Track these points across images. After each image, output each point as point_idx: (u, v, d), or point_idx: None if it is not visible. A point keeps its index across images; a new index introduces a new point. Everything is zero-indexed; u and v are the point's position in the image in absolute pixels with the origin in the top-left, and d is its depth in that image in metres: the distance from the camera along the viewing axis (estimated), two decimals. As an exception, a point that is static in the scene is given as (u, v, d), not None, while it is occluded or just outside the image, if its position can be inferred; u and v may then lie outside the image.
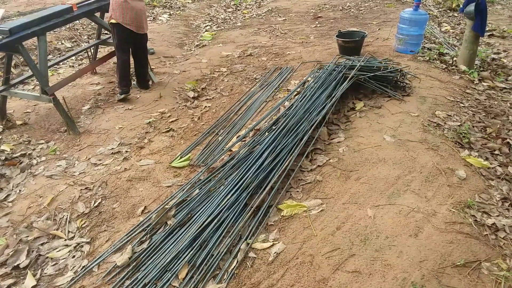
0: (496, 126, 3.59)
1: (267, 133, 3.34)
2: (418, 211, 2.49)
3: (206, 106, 4.44)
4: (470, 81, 4.58)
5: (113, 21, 4.25)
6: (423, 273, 2.09)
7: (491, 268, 2.13)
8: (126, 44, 4.43)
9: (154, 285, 2.20)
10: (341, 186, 2.83)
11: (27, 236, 2.62)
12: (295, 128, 3.29)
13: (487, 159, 3.12)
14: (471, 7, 4.40)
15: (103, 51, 5.78)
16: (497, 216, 2.51)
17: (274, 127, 3.38)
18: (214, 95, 4.72)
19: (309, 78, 4.38)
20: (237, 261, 2.30)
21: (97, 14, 4.67)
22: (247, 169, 2.95)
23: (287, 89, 4.53)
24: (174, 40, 6.96)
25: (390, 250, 2.24)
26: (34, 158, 3.53)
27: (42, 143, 3.77)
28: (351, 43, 5.14)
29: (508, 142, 3.36)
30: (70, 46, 6.44)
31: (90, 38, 6.87)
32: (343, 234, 2.39)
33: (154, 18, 8.26)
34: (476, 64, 4.99)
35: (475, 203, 2.58)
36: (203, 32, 7.62)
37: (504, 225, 2.44)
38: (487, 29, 6.63)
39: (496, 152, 3.24)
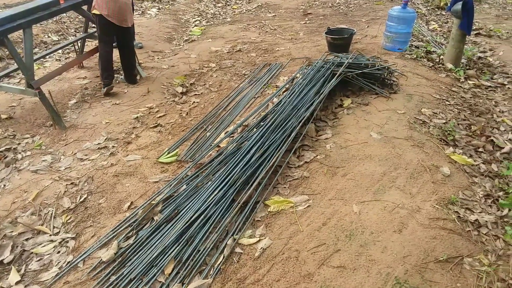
0: (481, 124, 3.65)
1: (255, 129, 3.34)
2: (403, 207, 2.53)
3: (194, 102, 4.42)
4: (456, 79, 4.64)
5: (95, 11, 4.20)
6: (406, 268, 2.12)
7: (473, 264, 2.17)
8: (108, 36, 4.38)
9: (140, 281, 2.20)
10: (328, 182, 2.85)
11: (11, 232, 2.59)
12: (283, 125, 3.31)
13: (471, 156, 3.17)
14: (458, 6, 4.45)
15: (90, 44, 5.71)
16: (480, 212, 2.56)
17: (262, 123, 3.39)
18: (203, 90, 4.70)
19: (298, 75, 4.39)
20: (224, 257, 2.30)
21: (84, 7, 4.60)
22: (234, 165, 2.95)
23: (276, 85, 4.54)
24: (163, 34, 6.91)
25: (374, 246, 2.27)
26: (19, 153, 3.48)
27: (28, 138, 3.71)
28: (339, 40, 5.17)
29: (492, 140, 3.42)
30: (57, 39, 6.34)
31: (77, 31, 6.78)
32: (329, 230, 2.41)
33: (142, 12, 8.18)
34: (463, 63, 5.06)
35: (459, 199, 2.62)
36: (192, 27, 7.57)
37: (486, 221, 2.48)
38: (474, 28, 6.71)
39: (480, 149, 3.30)
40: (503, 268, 2.15)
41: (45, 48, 5.87)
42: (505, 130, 3.63)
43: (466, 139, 3.40)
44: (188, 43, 6.61)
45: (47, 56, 5.39)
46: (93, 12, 4.25)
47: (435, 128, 3.45)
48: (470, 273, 2.12)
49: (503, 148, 3.31)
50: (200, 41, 6.63)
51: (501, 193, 2.76)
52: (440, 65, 4.94)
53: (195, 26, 7.67)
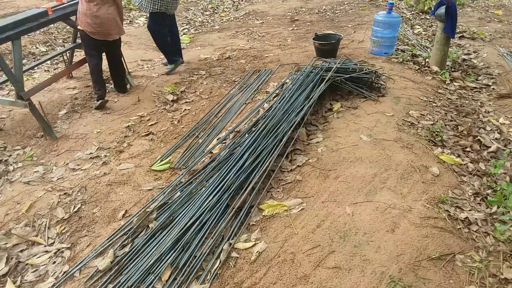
0: (467, 124, 3.74)
1: (247, 135, 3.38)
2: (394, 207, 2.58)
3: (185, 109, 4.44)
4: (442, 81, 4.74)
5: (79, 27, 4.20)
6: (400, 267, 2.16)
7: (464, 260, 2.23)
8: (94, 50, 4.34)
9: (137, 288, 2.20)
10: (320, 185, 2.89)
11: (6, 243, 2.58)
12: (275, 130, 3.35)
13: (459, 156, 3.25)
14: (442, 10, 4.56)
15: (79, 55, 5.70)
16: (470, 210, 2.62)
17: (254, 129, 3.42)
18: (194, 98, 4.73)
19: (287, 80, 4.45)
20: (220, 262, 2.32)
21: (73, 18, 4.61)
22: (228, 170, 2.97)
23: (266, 91, 4.59)
24: (152, 43, 6.90)
25: (368, 246, 2.31)
26: (11, 165, 3.46)
27: (18, 149, 3.69)
28: (327, 46, 5.24)
29: (479, 140, 3.50)
30: (45, 50, 6.32)
31: (66, 42, 6.76)
32: (323, 232, 2.45)
33: (130, 21, 8.20)
34: (448, 65, 5.17)
35: (449, 198, 2.68)
36: (181, 35, 7.59)
37: (476, 218, 2.54)
38: (458, 31, 6.86)
39: (468, 149, 3.37)
40: (494, 264, 2.20)
41: (33, 59, 5.85)
42: (491, 130, 3.72)
43: (454, 139, 3.48)
44: (177, 51, 6.63)
45: (36, 67, 5.37)
46: (78, 27, 4.25)
47: (423, 129, 3.53)
48: (462, 269, 2.17)
49: (490, 147, 3.39)
50: (189, 49, 6.66)
51: (489, 191, 2.83)
52: (426, 68, 5.04)
53: (184, 34, 7.69)
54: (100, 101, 4.34)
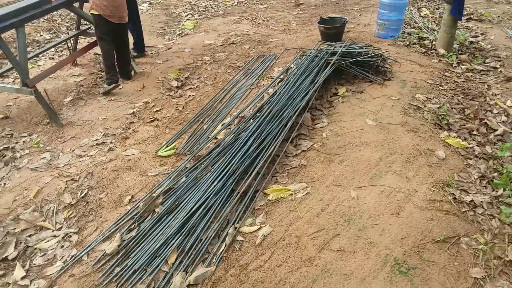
0: (474, 107, 3.70)
1: (251, 120, 3.37)
2: (400, 191, 2.57)
3: (190, 95, 4.44)
4: (449, 64, 4.68)
5: (93, 12, 4.19)
6: (404, 249, 2.17)
7: (469, 243, 2.23)
8: (108, 35, 4.36)
9: (144, 271, 2.24)
10: (325, 169, 2.89)
11: (14, 229, 2.62)
12: (279, 114, 3.33)
13: (465, 139, 3.22)
14: (449, -9, 4.47)
15: (83, 42, 5.70)
16: (475, 193, 2.61)
17: (258, 114, 3.41)
18: (198, 84, 4.72)
19: (292, 65, 4.41)
20: (226, 245, 2.34)
21: (76, 4, 4.59)
22: (233, 155, 2.98)
23: (271, 76, 4.56)
24: (155, 29, 6.90)
25: (373, 229, 2.31)
26: (18, 151, 3.49)
27: (25, 136, 3.72)
28: (332, 30, 5.18)
29: (486, 123, 3.47)
30: (49, 37, 6.32)
31: (69, 29, 6.75)
32: (328, 215, 2.45)
33: (134, 7, 8.13)
34: (455, 48, 5.10)
35: (454, 181, 2.67)
36: (185, 21, 7.56)
37: (481, 201, 2.53)
38: (465, 13, 6.75)
39: (474, 132, 3.35)
40: (499, 246, 2.20)
41: (37, 47, 5.85)
42: (498, 113, 3.68)
43: (460, 122, 3.45)
44: (181, 37, 6.61)
45: (41, 55, 5.38)
46: (91, 12, 4.24)
47: (429, 113, 3.50)
48: (467, 252, 2.18)
49: (497, 130, 3.36)
50: (193, 34, 6.62)
51: (495, 174, 2.81)
52: (433, 51, 4.97)
53: (188, 20, 7.65)
54: (113, 85, 4.41)
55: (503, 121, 3.52)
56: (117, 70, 4.56)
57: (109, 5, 4.14)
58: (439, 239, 2.23)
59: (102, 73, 5.00)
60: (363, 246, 2.22)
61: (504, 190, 2.60)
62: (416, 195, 2.55)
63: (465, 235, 2.28)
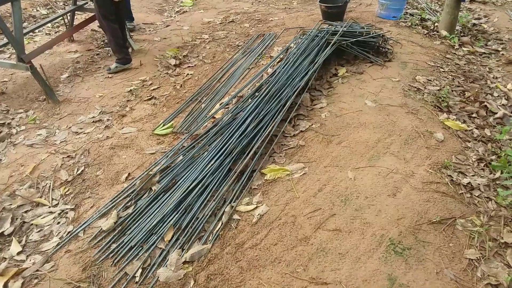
0: (475, 90, 3.67)
1: (250, 100, 3.34)
2: (397, 172, 2.57)
3: (188, 74, 4.38)
4: (451, 46, 4.63)
5: None
6: (400, 230, 2.18)
7: (465, 225, 2.23)
8: (113, 15, 4.21)
9: (141, 248, 2.24)
10: (323, 150, 2.87)
11: (10, 204, 2.61)
12: (278, 94, 3.30)
13: (464, 122, 3.21)
14: (453, -29, 4.38)
15: (80, 17, 5.59)
16: (473, 176, 2.61)
17: (257, 94, 3.38)
18: (196, 62, 4.66)
19: (292, 45, 4.35)
20: (222, 223, 2.35)
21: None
22: (230, 135, 2.96)
23: (270, 55, 4.50)
24: (154, 6, 6.77)
25: (369, 209, 2.32)
26: (14, 128, 3.46)
27: (21, 112, 3.69)
28: (334, 9, 5.09)
29: (486, 106, 3.44)
30: (46, 13, 6.20)
31: (66, 4, 6.62)
32: (325, 196, 2.45)
33: (132, -17, 7.97)
34: (457, 30, 5.02)
35: (452, 163, 2.67)
36: (184, -2, 7.41)
37: (479, 184, 2.54)
38: (469, -6, 6.63)
39: (474, 115, 3.33)
40: (494, 228, 2.21)
41: (34, 22, 5.74)
42: (498, 96, 3.65)
43: (460, 105, 3.42)
44: (180, 14, 6.49)
45: (37, 30, 5.28)
46: None
47: (429, 95, 3.47)
48: (462, 233, 2.18)
49: (496, 113, 3.34)
50: (192, 12, 6.51)
51: (493, 157, 2.81)
52: (435, 32, 4.91)
53: (187, -3, 7.50)
54: (128, 65, 4.41)
55: (503, 104, 3.50)
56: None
57: None
58: (435, 220, 2.24)
59: (99, 50, 4.93)
60: (359, 226, 2.23)
61: (502, 172, 2.60)
62: (414, 176, 2.54)
63: (461, 217, 2.28)
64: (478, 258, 2.04)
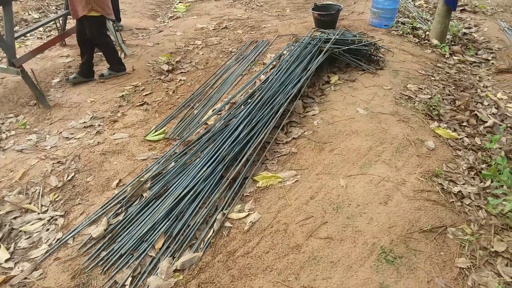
0: (465, 98, 3.71)
1: (242, 106, 3.34)
2: (388, 180, 2.58)
3: (181, 80, 4.38)
4: (442, 55, 4.68)
5: (94, 13, 3.83)
6: (391, 238, 2.18)
7: (456, 233, 2.24)
8: (106, 29, 4.30)
9: (131, 256, 2.22)
10: (315, 157, 2.88)
11: (-1, 211, 2.58)
12: (271, 101, 3.30)
13: (455, 130, 3.23)
14: (444, -19, 4.44)
15: (72, 22, 5.56)
16: (463, 184, 2.63)
17: (249, 100, 3.38)
18: (189, 68, 4.65)
19: (285, 52, 4.37)
20: (213, 231, 2.33)
21: (65, -17, 4.47)
22: (223, 141, 2.95)
23: (263, 62, 4.52)
24: (147, 11, 6.77)
25: (361, 217, 2.32)
26: (3, 132, 3.42)
27: (11, 117, 3.65)
28: (326, 17, 5.13)
29: (476, 114, 3.48)
30: (38, 17, 6.17)
31: (58, 8, 6.59)
32: (316, 203, 2.45)
33: (125, -12, 7.97)
34: (448, 39, 5.09)
35: (443, 172, 2.68)
36: (177, 4, 7.42)
37: (469, 192, 2.55)
38: (459, 3, 6.72)
39: (464, 123, 3.36)
40: (485, 237, 2.22)
41: (26, 26, 5.71)
42: (488, 105, 3.69)
43: (451, 113, 3.45)
44: (173, 20, 6.50)
45: (29, 34, 5.26)
46: (91, 14, 3.82)
47: (420, 103, 3.50)
48: (453, 242, 2.19)
49: (486, 122, 3.38)
50: (185, 18, 6.51)
51: (484, 166, 2.83)
52: (426, 41, 4.96)
53: (180, 2, 7.51)
54: (123, 73, 4.44)
55: (493, 113, 3.54)
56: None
57: (107, 2, 3.95)
58: (426, 228, 2.24)
59: (91, 55, 4.90)
60: (350, 234, 2.23)
61: (492, 181, 2.62)
62: (405, 184, 2.55)
63: (452, 225, 2.29)
64: (469, 267, 2.05)
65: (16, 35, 4.22)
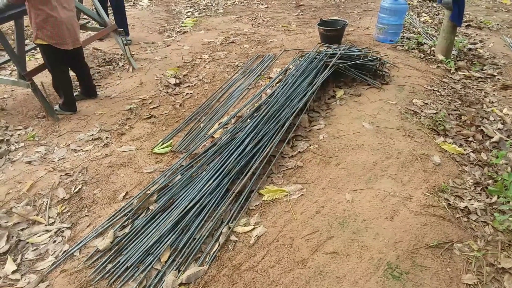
0: (471, 114, 3.71)
1: (248, 120, 3.37)
2: (394, 195, 2.57)
3: (187, 93, 4.43)
4: (447, 70, 4.70)
5: (40, 42, 3.52)
6: (398, 254, 2.17)
7: (462, 249, 2.23)
8: (63, 63, 3.84)
9: (137, 268, 2.23)
10: (321, 171, 2.89)
11: (7, 222, 2.60)
12: (277, 115, 3.33)
13: (461, 145, 3.23)
14: (449, -2, 4.48)
15: (82, 35, 5.66)
16: (470, 199, 2.62)
17: (256, 114, 3.41)
18: (196, 82, 4.71)
19: (291, 66, 4.41)
20: (219, 244, 2.34)
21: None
22: (229, 155, 2.97)
23: (269, 76, 4.56)
24: (155, 26, 6.88)
25: (367, 232, 2.31)
26: (12, 144, 3.47)
27: (20, 129, 3.70)
28: (332, 32, 5.18)
29: (482, 130, 3.48)
30: (48, 30, 6.27)
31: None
32: (322, 218, 2.45)
33: (134, 3, 8.12)
34: (453, 54, 5.11)
35: (449, 187, 2.68)
36: (185, 19, 7.54)
37: (476, 208, 2.54)
38: (465, 19, 6.77)
39: (470, 139, 3.36)
40: (492, 253, 2.21)
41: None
42: (494, 120, 3.69)
43: (457, 129, 3.46)
44: (181, 34, 6.59)
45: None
46: (37, 42, 3.56)
47: (426, 118, 3.50)
48: (459, 258, 2.18)
49: (493, 137, 3.38)
50: (193, 32, 6.61)
51: (490, 181, 2.82)
52: (431, 56, 4.99)
53: (187, 17, 7.63)
54: (69, 113, 4.01)
55: (499, 129, 3.54)
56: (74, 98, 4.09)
57: (60, 30, 3.50)
58: (432, 244, 2.23)
59: (100, 68, 4.99)
60: (356, 249, 2.22)
61: (498, 197, 2.61)
62: (411, 199, 2.55)
63: (458, 241, 2.28)
64: (476, 283, 2.04)
65: (26, 48, 4.31)
